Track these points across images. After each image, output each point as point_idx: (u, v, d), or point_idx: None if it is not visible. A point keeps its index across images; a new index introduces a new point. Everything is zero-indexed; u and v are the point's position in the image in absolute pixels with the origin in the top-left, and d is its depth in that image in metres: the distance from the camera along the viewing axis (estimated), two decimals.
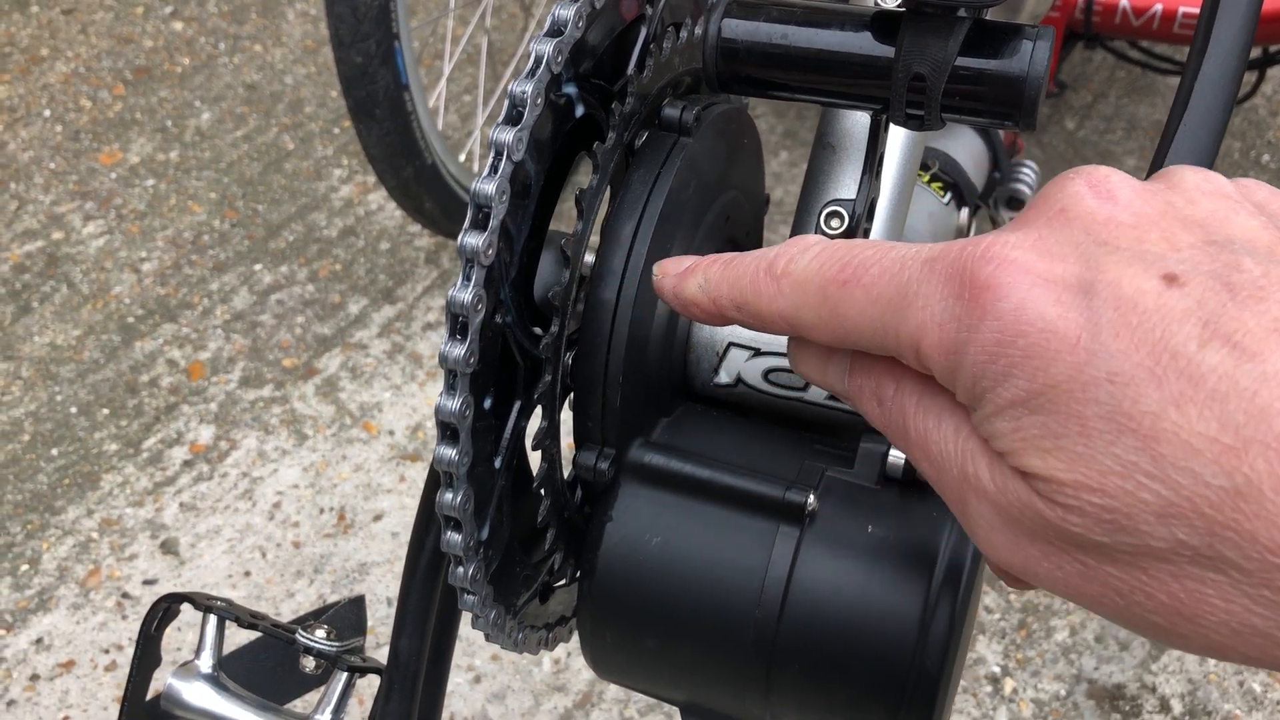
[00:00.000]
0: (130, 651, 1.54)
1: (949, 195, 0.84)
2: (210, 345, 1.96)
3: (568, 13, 0.46)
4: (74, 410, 1.86)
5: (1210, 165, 0.46)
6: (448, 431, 0.45)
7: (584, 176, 0.49)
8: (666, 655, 0.49)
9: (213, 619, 0.65)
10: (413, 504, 1.72)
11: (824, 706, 0.48)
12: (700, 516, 0.48)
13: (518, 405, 0.49)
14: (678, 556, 0.48)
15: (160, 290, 2.06)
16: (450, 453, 0.45)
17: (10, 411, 1.85)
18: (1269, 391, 0.30)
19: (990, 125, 0.47)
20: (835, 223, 0.57)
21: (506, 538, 0.50)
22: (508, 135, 0.43)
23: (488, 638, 0.52)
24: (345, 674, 0.62)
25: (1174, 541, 0.31)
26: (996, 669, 1.55)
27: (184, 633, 1.50)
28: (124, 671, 1.52)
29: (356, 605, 0.69)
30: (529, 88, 0.44)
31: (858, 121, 0.58)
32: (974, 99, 0.45)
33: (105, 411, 1.86)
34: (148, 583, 1.64)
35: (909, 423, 0.38)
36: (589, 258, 0.49)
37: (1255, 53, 2.02)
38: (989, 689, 1.53)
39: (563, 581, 0.57)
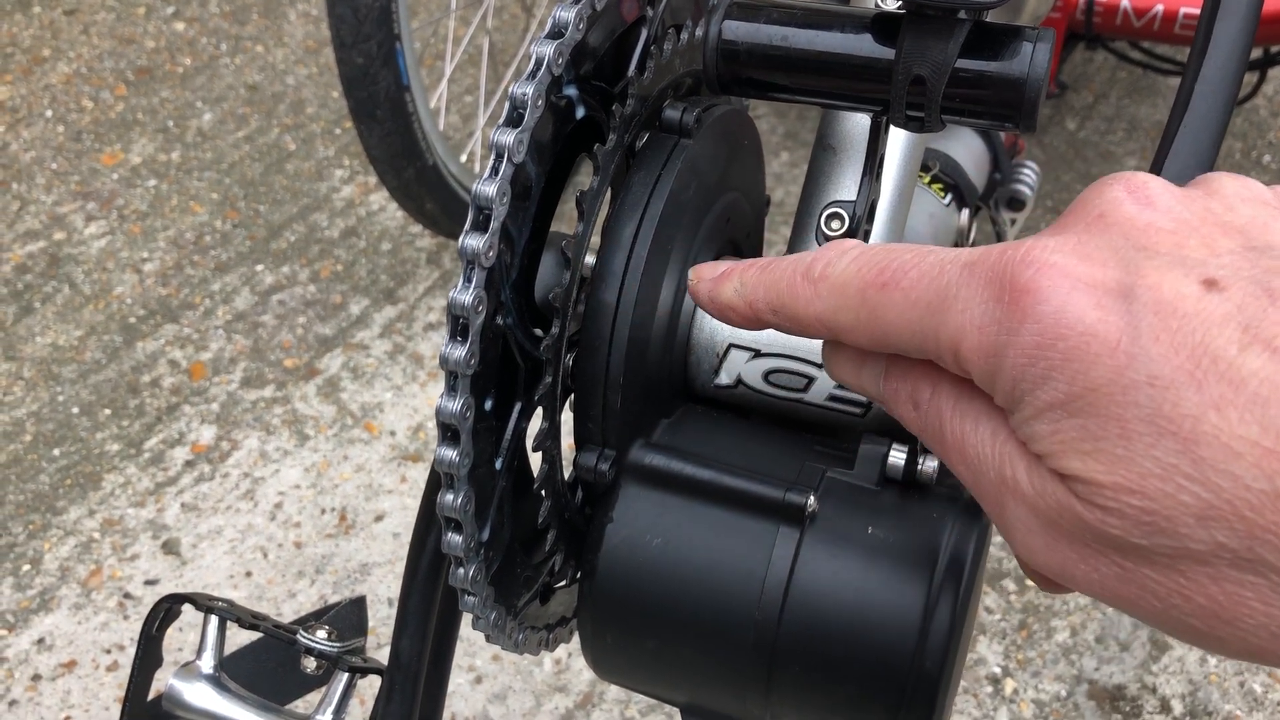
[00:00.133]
0: (132, 652, 1.54)
1: (949, 196, 0.84)
2: (212, 346, 1.97)
3: (569, 15, 0.46)
4: (76, 410, 1.86)
5: (1210, 165, 0.46)
6: (448, 433, 0.45)
7: (585, 178, 0.49)
8: (667, 656, 0.49)
9: (214, 619, 0.65)
10: (414, 504, 1.72)
11: (824, 707, 0.48)
12: (701, 518, 0.48)
13: (518, 406, 0.49)
14: (678, 557, 0.48)
15: (162, 290, 2.06)
16: (451, 454, 0.45)
17: (12, 412, 1.86)
18: None
19: (991, 127, 0.47)
20: (836, 224, 0.57)
21: (507, 539, 0.50)
22: (509, 137, 0.44)
23: (488, 638, 0.52)
24: (346, 674, 0.62)
25: (1213, 544, 0.31)
26: (997, 669, 1.55)
27: (185, 633, 1.50)
28: (125, 672, 1.52)
29: (357, 606, 0.69)
30: (530, 90, 0.44)
31: (858, 123, 0.58)
32: (974, 101, 0.45)
33: (107, 412, 1.86)
34: (149, 583, 1.64)
35: (945, 426, 0.38)
36: (590, 259, 0.49)
37: (1256, 53, 2.02)
38: (989, 689, 1.53)
39: (563, 582, 0.57)
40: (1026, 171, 0.99)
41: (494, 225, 0.43)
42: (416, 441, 1.82)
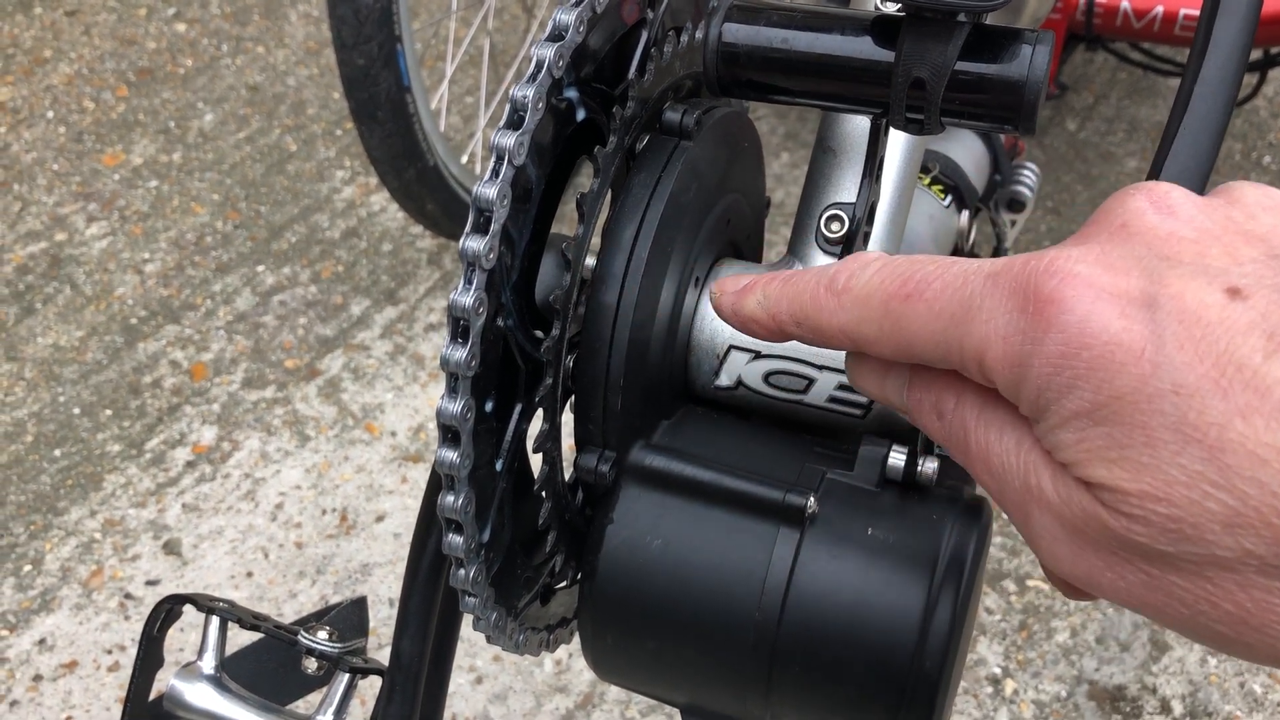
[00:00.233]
0: (133, 652, 1.54)
1: (949, 198, 0.84)
2: (213, 346, 1.97)
3: (569, 17, 0.46)
4: (77, 411, 1.86)
5: (1211, 167, 0.46)
6: (449, 434, 0.45)
7: (585, 180, 0.49)
8: (667, 657, 0.50)
9: (215, 620, 0.65)
10: (415, 505, 1.72)
11: (824, 708, 0.48)
12: (701, 519, 0.48)
13: (519, 408, 0.49)
14: (679, 559, 0.48)
15: (163, 291, 2.06)
16: (452, 455, 0.45)
17: (13, 412, 1.86)
18: None
19: (990, 129, 0.47)
20: (835, 226, 0.57)
21: (508, 540, 0.50)
22: (509, 140, 0.44)
23: (489, 639, 0.52)
24: (347, 675, 0.62)
25: (1241, 551, 0.31)
26: (997, 670, 1.55)
27: (186, 634, 1.50)
28: (127, 672, 1.53)
29: (358, 606, 0.69)
30: (530, 92, 0.44)
31: (858, 125, 0.58)
32: (974, 104, 0.45)
33: (108, 412, 1.86)
34: (150, 583, 1.64)
35: (970, 435, 0.38)
36: (590, 261, 0.49)
37: (1256, 54, 2.02)
38: (990, 690, 1.53)
39: (564, 583, 0.57)
40: (1026, 173, 0.99)
41: (495, 227, 0.43)
42: (417, 442, 1.82)
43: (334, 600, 1.55)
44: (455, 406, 0.44)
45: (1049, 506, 0.35)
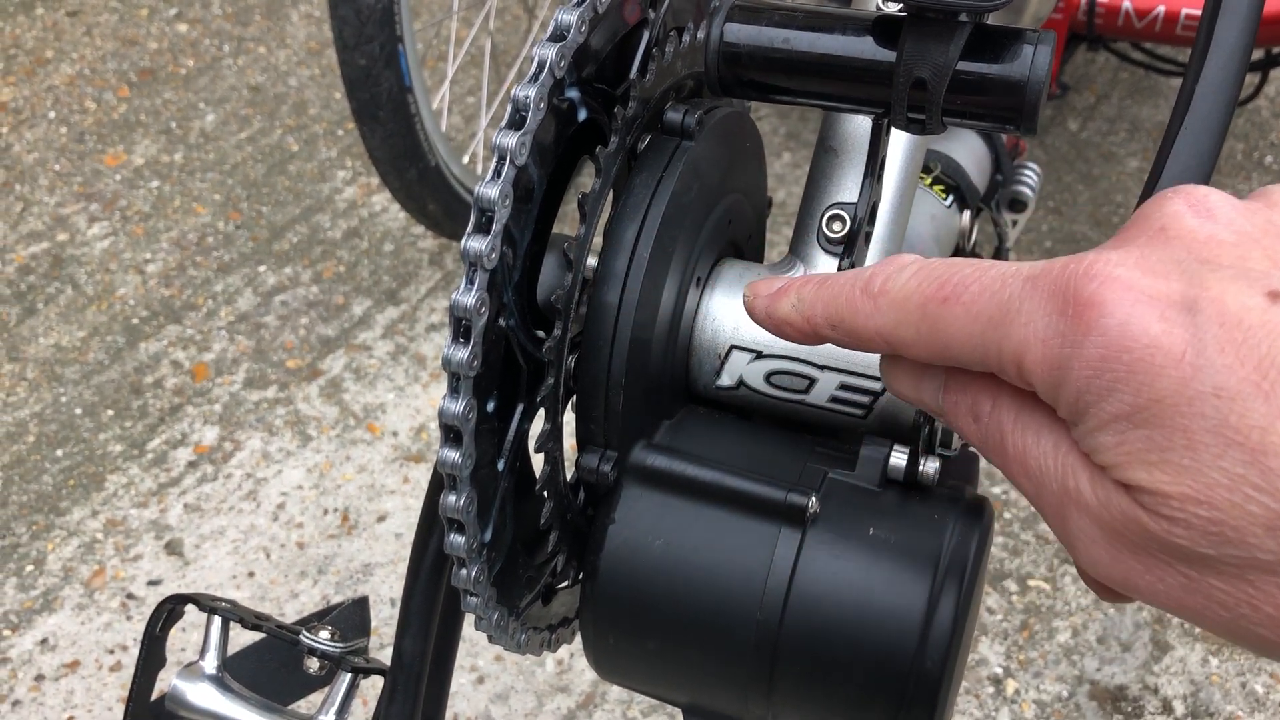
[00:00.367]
0: (135, 652, 1.54)
1: (951, 198, 0.84)
2: (215, 346, 1.97)
3: (571, 17, 0.46)
4: (79, 411, 1.86)
5: (1212, 167, 0.46)
6: (451, 434, 0.45)
7: (587, 180, 0.49)
8: (669, 657, 0.50)
9: (217, 620, 0.65)
10: (416, 505, 1.72)
11: (826, 707, 0.48)
12: (702, 519, 0.48)
13: (520, 408, 0.49)
14: (680, 558, 0.48)
15: (165, 291, 2.06)
16: (453, 455, 0.45)
17: (15, 413, 1.86)
18: None
19: (992, 129, 0.47)
20: (837, 226, 0.57)
21: (509, 540, 0.51)
22: (511, 140, 0.44)
23: (491, 639, 0.52)
24: (349, 675, 0.62)
25: None
26: (999, 670, 1.55)
27: (188, 633, 1.50)
28: (129, 672, 1.53)
29: (360, 606, 0.69)
30: (532, 92, 0.44)
31: (859, 125, 0.58)
32: (975, 104, 0.45)
33: (110, 413, 1.86)
34: (152, 583, 1.64)
35: (1007, 438, 0.38)
36: (592, 261, 0.49)
37: (1257, 54, 2.02)
38: (991, 690, 1.53)
39: (565, 583, 0.57)
40: (1028, 173, 0.99)
41: (496, 227, 0.44)
42: (419, 442, 1.82)
43: (335, 600, 1.55)
44: (457, 406, 0.44)
45: (1087, 509, 0.35)
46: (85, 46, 2.60)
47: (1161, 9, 1.91)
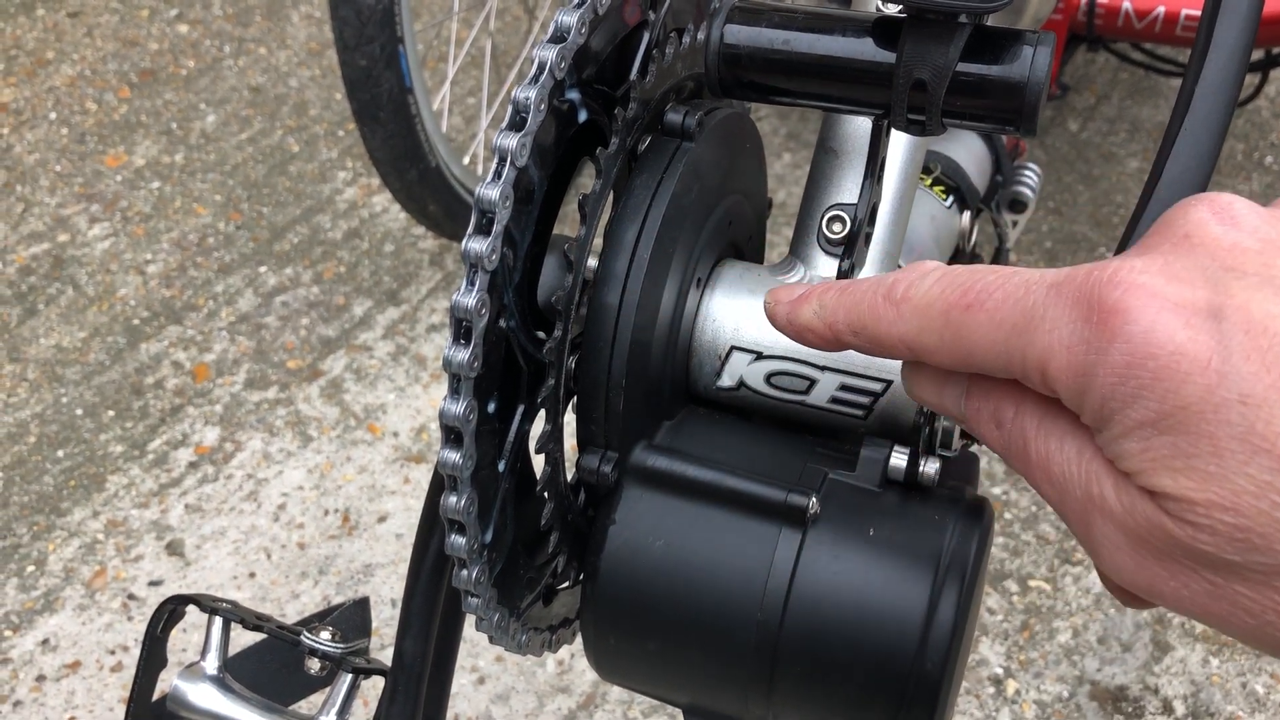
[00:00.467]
0: (136, 652, 1.54)
1: (951, 199, 0.84)
2: (215, 347, 1.97)
3: (571, 19, 0.46)
4: (80, 412, 1.86)
5: (1212, 168, 0.46)
6: (452, 435, 0.45)
7: (587, 181, 0.49)
8: (669, 657, 0.50)
9: (218, 620, 0.65)
10: (417, 505, 1.73)
11: (826, 708, 0.48)
12: (703, 519, 0.48)
13: (521, 409, 0.49)
14: (680, 559, 0.48)
15: (165, 292, 2.06)
16: (454, 456, 0.45)
17: (16, 413, 1.86)
18: None
19: (992, 131, 0.47)
20: (837, 227, 0.57)
21: (510, 541, 0.51)
22: (511, 141, 0.44)
23: (492, 640, 0.53)
24: (350, 675, 0.62)
25: None
26: (999, 670, 1.55)
27: (189, 634, 1.50)
28: (130, 672, 1.53)
29: (361, 607, 0.70)
30: (533, 94, 0.44)
31: (859, 126, 0.58)
32: (975, 105, 0.45)
33: (111, 413, 1.86)
34: (153, 584, 1.64)
35: (1030, 444, 0.38)
36: (592, 262, 0.49)
37: (1257, 55, 2.02)
38: (992, 690, 1.53)
39: (566, 584, 0.57)
40: (1028, 173, 0.99)
41: (497, 228, 0.44)
42: (419, 443, 1.82)
43: (336, 601, 1.55)
44: (458, 407, 0.44)
45: (1111, 515, 0.35)
46: (86, 47, 2.60)
47: (1161, 10, 1.91)
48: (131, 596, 1.63)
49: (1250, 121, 2.46)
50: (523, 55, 2.26)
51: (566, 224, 1.62)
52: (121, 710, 1.50)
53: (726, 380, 0.54)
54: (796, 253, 0.58)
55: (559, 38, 0.46)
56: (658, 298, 0.50)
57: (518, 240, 0.46)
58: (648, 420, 0.51)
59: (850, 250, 0.55)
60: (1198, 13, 1.92)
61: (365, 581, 1.65)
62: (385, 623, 1.58)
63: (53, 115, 2.42)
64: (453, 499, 0.46)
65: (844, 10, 0.50)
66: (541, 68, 0.45)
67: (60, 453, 1.81)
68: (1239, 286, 0.33)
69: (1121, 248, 0.43)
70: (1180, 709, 1.52)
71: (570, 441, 0.50)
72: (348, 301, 2.05)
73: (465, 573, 0.48)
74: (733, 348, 0.54)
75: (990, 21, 0.47)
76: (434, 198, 1.89)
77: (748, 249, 0.60)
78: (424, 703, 0.60)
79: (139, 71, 2.54)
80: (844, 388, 0.53)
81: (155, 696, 0.67)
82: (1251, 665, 1.56)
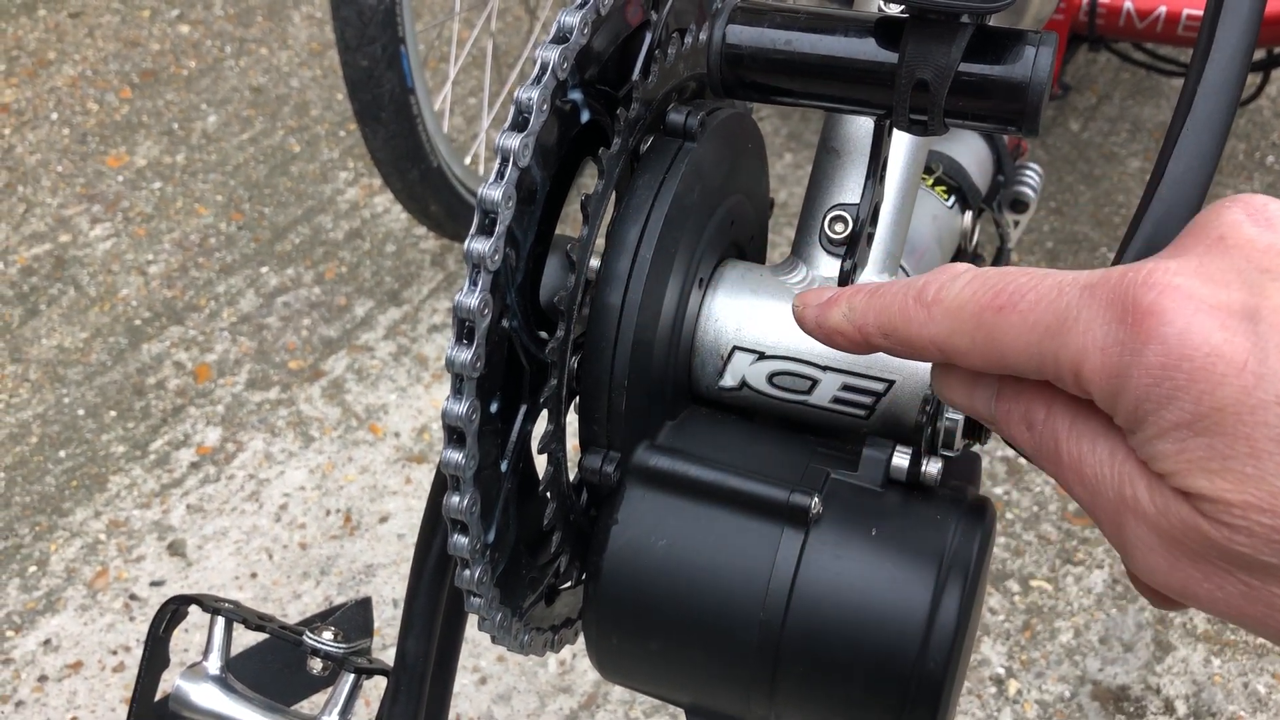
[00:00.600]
0: (138, 653, 1.54)
1: (953, 199, 0.84)
2: (217, 347, 1.97)
3: (573, 19, 0.46)
4: (81, 412, 1.87)
5: (1214, 168, 0.46)
6: (454, 435, 0.45)
7: (589, 181, 0.49)
8: (672, 657, 0.50)
9: (220, 620, 0.65)
10: (419, 506, 1.73)
11: (829, 708, 0.48)
12: (705, 519, 0.48)
13: (524, 409, 0.49)
14: (683, 559, 0.48)
15: (167, 293, 2.06)
16: (457, 456, 0.45)
17: (18, 414, 1.86)
18: None
19: (994, 131, 0.47)
20: (839, 227, 0.57)
21: (513, 541, 0.51)
22: (514, 141, 0.44)
23: (494, 640, 0.53)
24: (352, 675, 0.63)
25: None
26: (1001, 670, 1.55)
27: (191, 634, 1.50)
28: (132, 673, 1.53)
29: (363, 607, 0.70)
30: (535, 94, 0.44)
31: (861, 126, 0.58)
32: (977, 105, 0.45)
33: (112, 414, 1.87)
34: (155, 584, 1.64)
35: (1061, 446, 0.38)
36: (594, 262, 0.49)
37: (1259, 55, 2.02)
38: (993, 690, 1.53)
39: (568, 584, 0.57)
40: (1029, 173, 0.99)
41: (499, 229, 0.44)
42: (421, 443, 1.82)
43: (338, 601, 1.55)
44: (460, 407, 0.44)
45: (1145, 517, 0.36)
46: (87, 48, 2.60)
47: (1163, 10, 1.91)
48: (133, 597, 1.63)
49: (1252, 121, 2.46)
50: (524, 55, 2.26)
51: (569, 224, 1.62)
52: (124, 710, 1.50)
53: (729, 380, 0.54)
54: (798, 253, 0.58)
55: (562, 38, 0.46)
56: (660, 298, 0.50)
57: (520, 240, 0.46)
58: (650, 420, 0.51)
59: (852, 250, 0.55)
60: (1199, 13, 1.91)
61: (367, 582, 1.65)
62: (387, 623, 1.59)
63: (54, 116, 2.42)
64: (455, 499, 0.46)
65: (846, 10, 0.50)
66: (544, 68, 0.45)
67: (62, 453, 1.81)
68: (1275, 288, 0.34)
69: (1124, 248, 0.43)
70: (1182, 709, 1.52)
71: (572, 441, 0.50)
72: (349, 302, 2.05)
73: (468, 573, 0.48)
74: (735, 348, 0.54)
75: (992, 21, 0.47)
76: (435, 198, 1.89)
77: (750, 249, 0.60)
78: (426, 703, 0.60)
79: (140, 72, 2.54)
80: (846, 388, 0.53)
81: (158, 697, 0.67)
82: (1253, 665, 1.56)
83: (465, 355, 0.44)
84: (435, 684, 0.61)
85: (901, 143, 0.61)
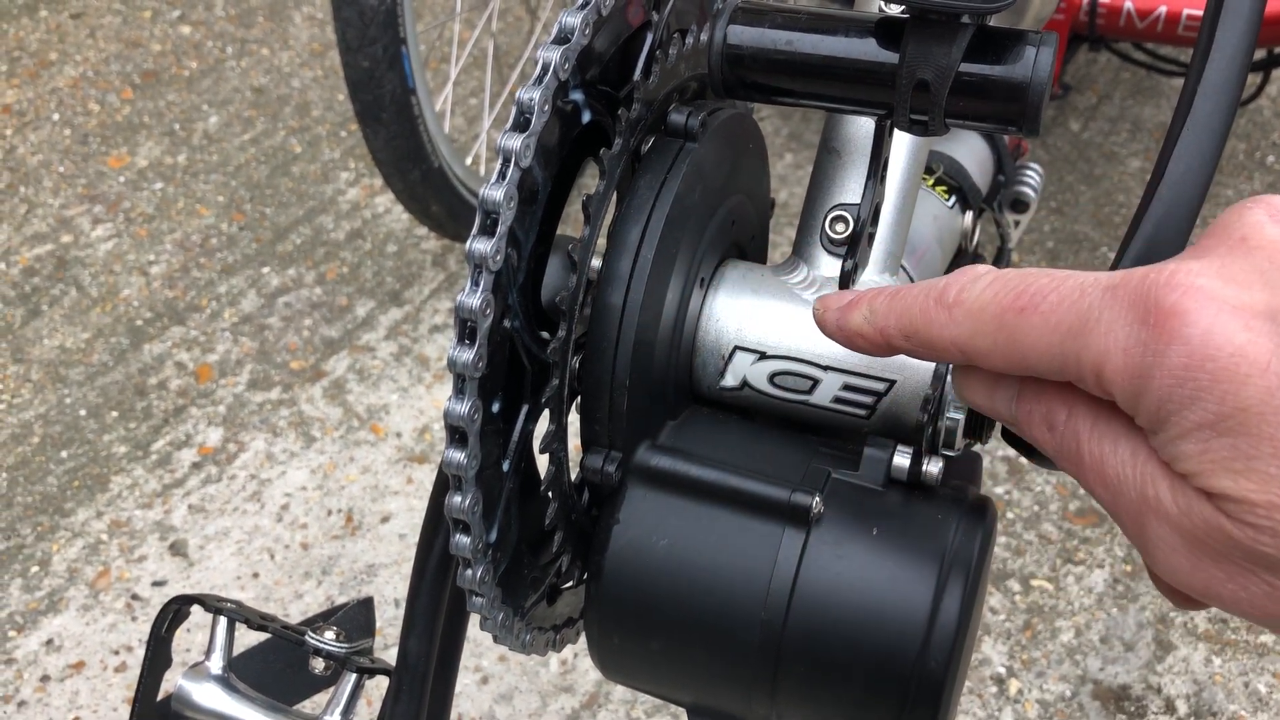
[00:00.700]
0: (140, 653, 1.54)
1: (953, 199, 0.84)
2: (218, 348, 1.97)
3: (575, 20, 0.46)
4: (83, 413, 1.87)
5: (1214, 168, 0.47)
6: (456, 435, 0.45)
7: (590, 181, 0.50)
8: (673, 657, 0.50)
9: (223, 620, 0.66)
10: (420, 505, 1.73)
11: (830, 707, 0.48)
12: (706, 519, 0.48)
13: (525, 409, 0.49)
14: (684, 559, 0.48)
15: (168, 293, 2.07)
16: (459, 456, 0.45)
17: (20, 414, 1.86)
18: None
19: (994, 131, 0.47)
20: (840, 227, 0.57)
21: (514, 540, 0.51)
22: (515, 142, 0.44)
23: (496, 639, 0.53)
24: (354, 675, 0.63)
25: None
26: (1002, 670, 1.55)
27: (194, 634, 1.50)
28: (134, 673, 1.53)
29: (365, 607, 0.70)
30: (536, 94, 0.44)
31: (862, 126, 0.58)
32: (978, 105, 0.45)
33: (114, 414, 1.87)
34: (157, 584, 1.64)
35: (1083, 447, 0.38)
36: (596, 262, 0.49)
37: (1259, 54, 2.02)
38: (994, 690, 1.53)
39: (570, 583, 0.57)
40: (1030, 173, 0.99)
41: (501, 229, 0.44)
42: (422, 443, 1.82)
43: (340, 601, 1.55)
44: (462, 407, 0.44)
45: (1167, 517, 0.36)
46: (89, 49, 2.60)
47: (1163, 10, 1.91)
48: (135, 597, 1.63)
49: (1252, 121, 2.46)
50: (525, 56, 2.26)
51: (570, 224, 1.62)
52: (126, 710, 1.50)
53: (730, 380, 0.54)
54: (799, 253, 0.58)
55: (563, 38, 0.46)
56: (661, 298, 0.50)
57: (522, 241, 0.46)
58: (651, 420, 0.51)
59: (853, 250, 0.55)
60: (1199, 13, 1.91)
61: (369, 581, 1.65)
62: (389, 622, 1.59)
63: (56, 116, 2.42)
64: (457, 499, 0.46)
65: (847, 11, 0.50)
66: (545, 68, 0.45)
67: (64, 453, 1.81)
68: None
69: (1124, 248, 0.44)
70: (1183, 708, 1.52)
71: (574, 441, 0.51)
72: (350, 302, 2.05)
73: (470, 572, 0.48)
74: (736, 348, 0.54)
75: (992, 22, 0.47)
76: (437, 198, 1.89)
77: (751, 249, 0.60)
78: (428, 702, 0.60)
79: (142, 73, 2.54)
80: (847, 387, 0.53)
81: (160, 696, 0.67)
82: (1254, 665, 1.56)
83: (467, 355, 0.44)
84: (437, 684, 0.61)
85: (902, 143, 0.61)
